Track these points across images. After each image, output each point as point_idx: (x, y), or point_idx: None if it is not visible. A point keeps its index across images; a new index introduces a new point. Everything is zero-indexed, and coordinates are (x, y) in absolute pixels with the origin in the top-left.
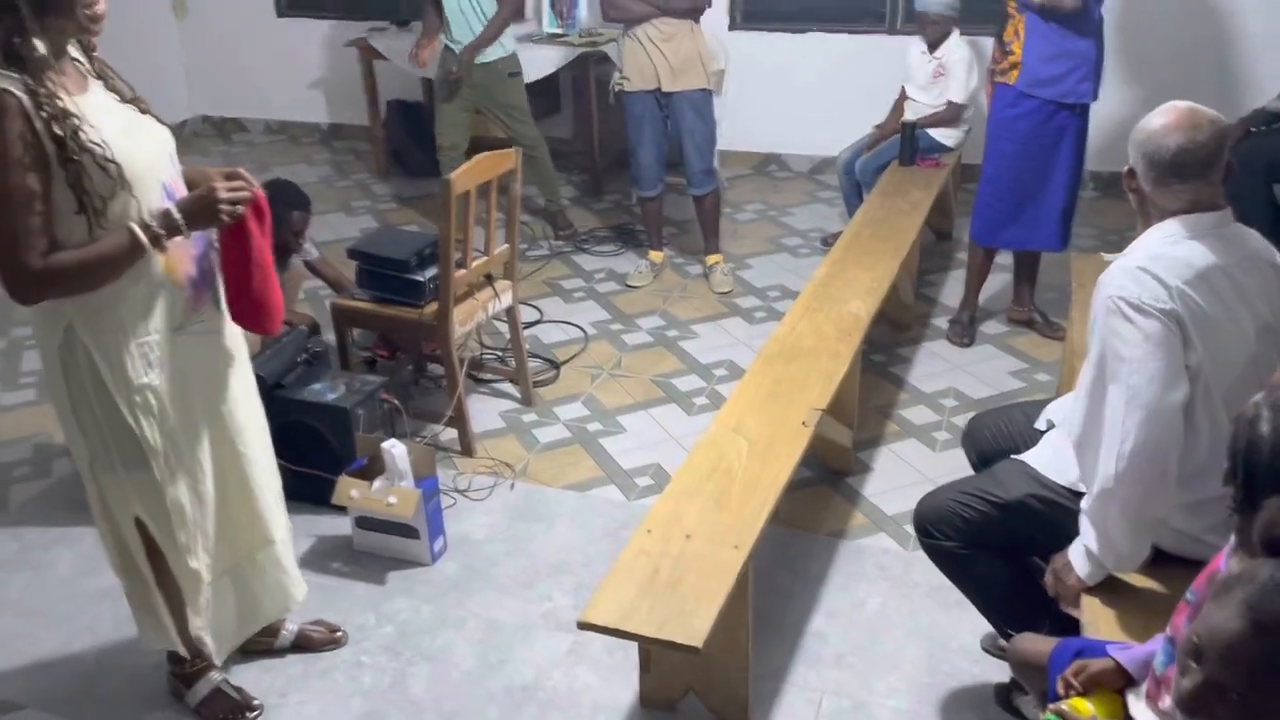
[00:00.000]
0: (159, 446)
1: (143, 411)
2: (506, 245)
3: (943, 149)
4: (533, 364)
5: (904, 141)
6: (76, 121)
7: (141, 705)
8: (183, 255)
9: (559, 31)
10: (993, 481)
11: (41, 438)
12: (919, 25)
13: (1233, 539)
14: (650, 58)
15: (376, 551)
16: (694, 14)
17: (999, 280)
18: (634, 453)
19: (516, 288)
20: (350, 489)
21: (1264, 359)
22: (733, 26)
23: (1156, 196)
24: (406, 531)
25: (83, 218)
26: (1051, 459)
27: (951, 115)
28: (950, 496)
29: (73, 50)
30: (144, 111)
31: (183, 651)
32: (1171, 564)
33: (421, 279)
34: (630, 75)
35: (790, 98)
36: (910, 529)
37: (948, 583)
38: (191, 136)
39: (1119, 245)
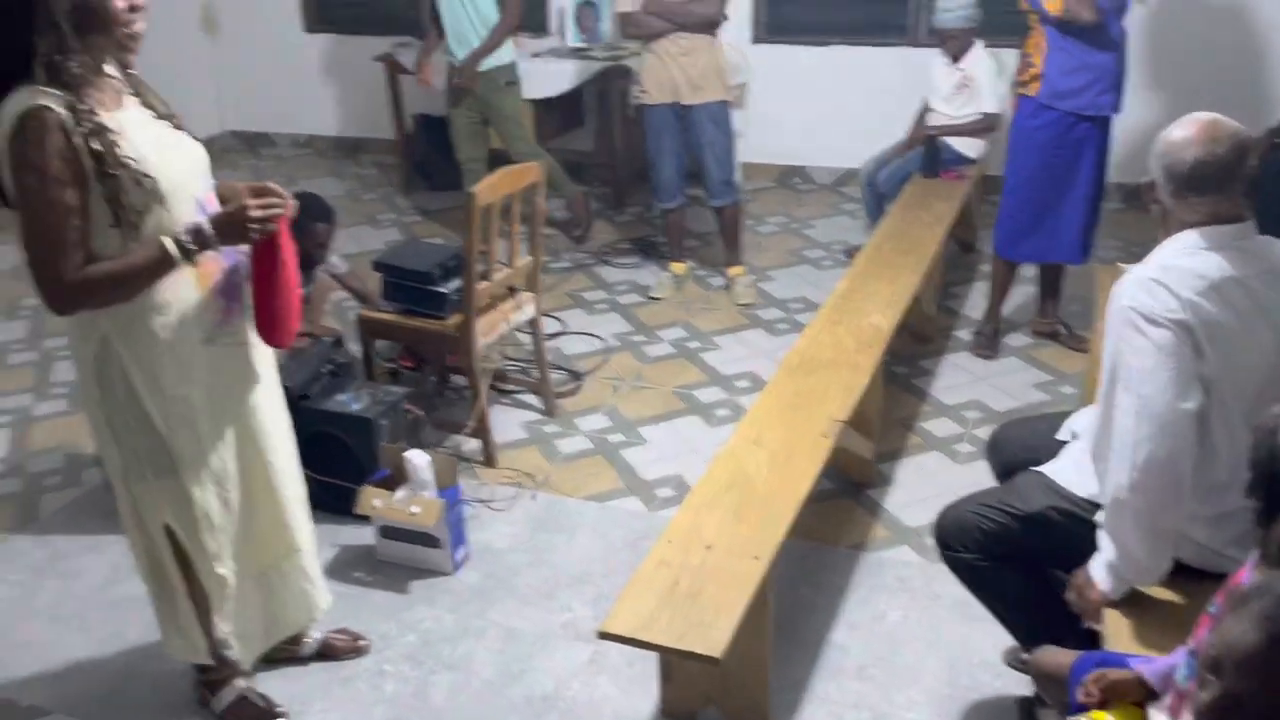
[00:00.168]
0: (190, 455)
1: (176, 421)
2: (529, 257)
3: (966, 161)
4: (555, 375)
5: (927, 153)
6: (114, 137)
7: (168, 712)
8: (214, 268)
9: (583, 45)
10: (1013, 494)
11: (72, 447)
12: (940, 40)
13: (1256, 552)
14: (670, 71)
15: (399, 561)
16: (711, 28)
17: (1023, 292)
18: (655, 464)
19: (539, 299)
20: (373, 498)
21: None
22: (756, 39)
23: (1176, 209)
24: (429, 541)
25: (118, 231)
26: (1072, 471)
27: (987, 125)
28: (970, 509)
29: (109, 68)
30: (178, 127)
31: (208, 660)
32: (1193, 577)
33: (445, 291)
34: (649, 89)
35: (813, 110)
36: (932, 541)
37: (970, 596)
38: (221, 151)
39: (1143, 257)
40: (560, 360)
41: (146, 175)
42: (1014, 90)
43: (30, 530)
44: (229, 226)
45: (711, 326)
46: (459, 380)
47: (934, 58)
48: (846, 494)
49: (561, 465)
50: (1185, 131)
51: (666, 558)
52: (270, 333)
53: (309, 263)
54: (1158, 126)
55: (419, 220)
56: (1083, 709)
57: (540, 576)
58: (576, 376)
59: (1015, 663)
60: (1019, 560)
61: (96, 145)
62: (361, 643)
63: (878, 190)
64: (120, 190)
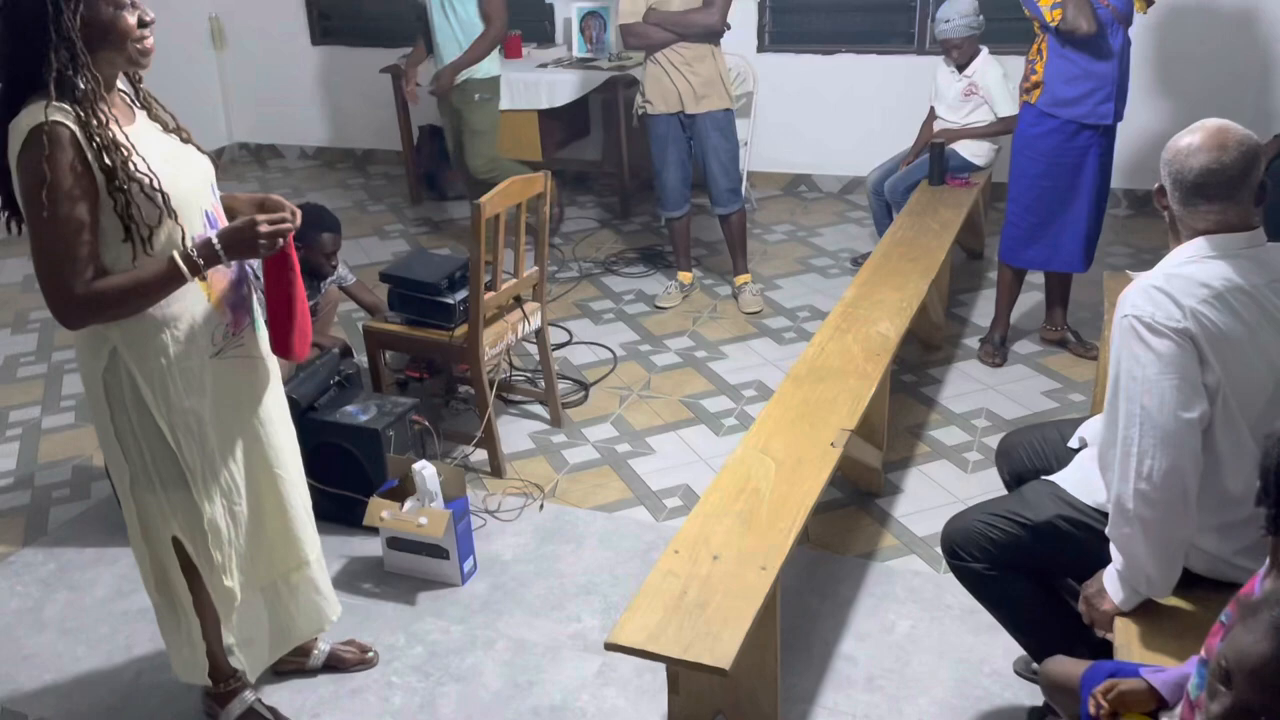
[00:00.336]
0: (198, 467)
1: (184, 433)
2: (536, 268)
3: (973, 168)
4: (562, 385)
5: (933, 161)
6: (126, 152)
7: None
8: (222, 281)
9: (588, 56)
10: (1021, 503)
11: (81, 460)
12: (944, 50)
13: (1267, 561)
14: (673, 81)
15: (407, 572)
16: (712, 37)
17: (1031, 299)
18: (663, 474)
19: (545, 310)
20: (381, 510)
21: None
22: (761, 48)
23: (1184, 216)
24: (437, 552)
25: (129, 245)
26: (1081, 480)
27: (1005, 129)
28: (978, 518)
29: (120, 82)
30: (186, 141)
31: (212, 683)
32: (1204, 586)
33: (452, 302)
34: (653, 99)
35: (819, 119)
36: (940, 549)
37: (979, 605)
38: (229, 163)
39: (1153, 264)
40: (567, 370)
41: (158, 190)
42: (1020, 97)
43: (39, 543)
44: (238, 242)
45: (718, 336)
46: (466, 390)
47: (940, 64)
48: (855, 503)
49: (569, 475)
50: (1193, 138)
51: (674, 568)
52: (287, 346)
53: (318, 274)
54: (1165, 133)
55: (426, 231)
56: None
57: (548, 587)
58: (583, 386)
59: (1026, 672)
60: (1028, 570)
61: (108, 160)
62: (369, 654)
63: (884, 198)
64: (132, 205)
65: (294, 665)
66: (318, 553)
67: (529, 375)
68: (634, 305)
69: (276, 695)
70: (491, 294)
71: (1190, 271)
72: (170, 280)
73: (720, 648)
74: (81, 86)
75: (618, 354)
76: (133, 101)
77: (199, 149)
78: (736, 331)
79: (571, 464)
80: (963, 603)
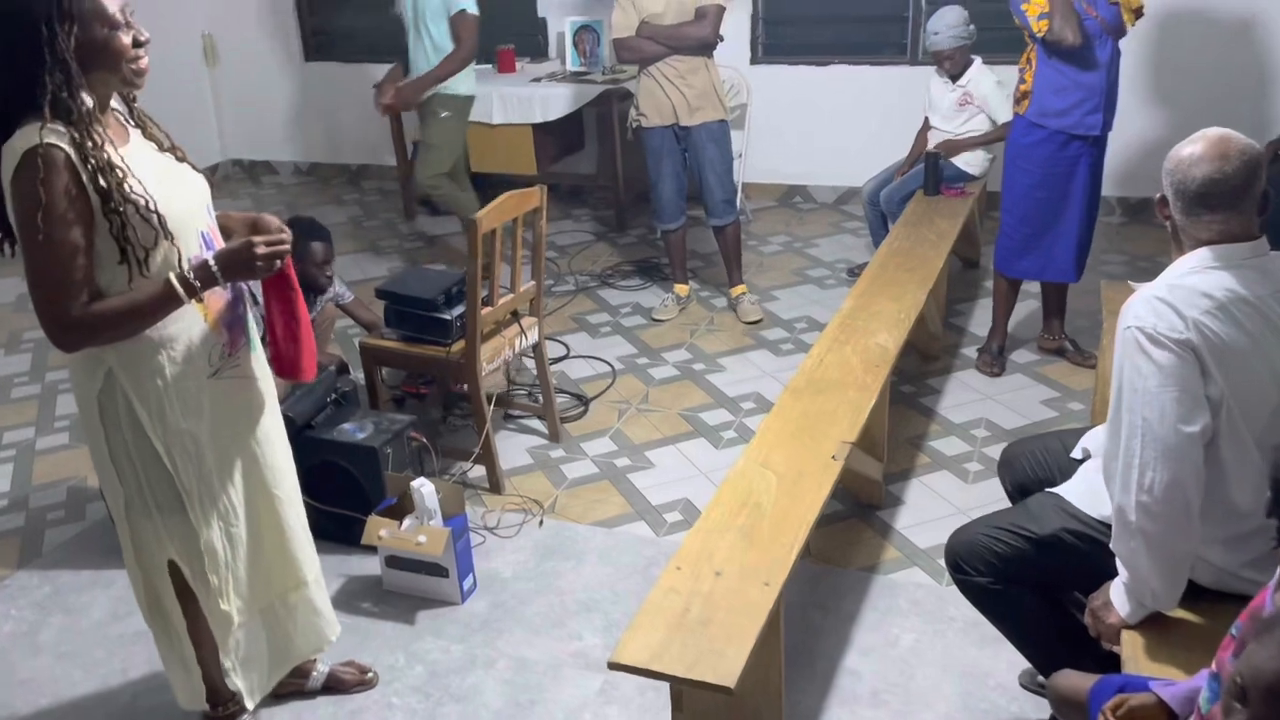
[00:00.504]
0: (195, 489)
1: (181, 455)
2: (532, 282)
3: (968, 177)
4: (560, 400)
5: (928, 171)
6: (121, 174)
7: None
8: (219, 301)
9: (582, 70)
10: (1026, 516)
11: (75, 481)
12: (936, 61)
13: (1277, 574)
14: (667, 94)
15: (406, 591)
16: (705, 49)
17: (1029, 308)
18: (662, 488)
19: (543, 324)
20: (380, 528)
21: None
22: (754, 60)
23: (1187, 226)
24: (436, 570)
25: (124, 267)
26: (1086, 492)
27: (1002, 136)
28: (982, 531)
29: (114, 100)
30: (181, 160)
31: (209, 706)
32: (1212, 598)
33: (448, 317)
34: (647, 112)
35: (813, 130)
36: (944, 563)
37: (984, 618)
38: (222, 180)
39: (1149, 272)
40: (565, 384)
41: (154, 211)
42: (1012, 106)
43: (34, 565)
44: (235, 264)
45: (716, 348)
46: (464, 406)
47: (933, 76)
48: (856, 515)
49: (568, 491)
50: (1195, 148)
51: (676, 585)
52: (297, 366)
53: (313, 287)
54: (1161, 141)
55: (421, 246)
56: None
57: (548, 604)
58: (582, 401)
59: (1032, 685)
60: (1033, 583)
61: (103, 182)
62: (369, 675)
63: (880, 209)
64: (127, 227)
65: (293, 687)
66: (316, 572)
67: (527, 390)
68: (631, 318)
69: (276, 718)
70: (488, 309)
71: (1193, 282)
72: (167, 302)
73: (724, 665)
74: (76, 108)
75: (616, 368)
76: (127, 120)
77: (194, 168)
78: (734, 344)
79: (571, 479)
80: (966, 615)
